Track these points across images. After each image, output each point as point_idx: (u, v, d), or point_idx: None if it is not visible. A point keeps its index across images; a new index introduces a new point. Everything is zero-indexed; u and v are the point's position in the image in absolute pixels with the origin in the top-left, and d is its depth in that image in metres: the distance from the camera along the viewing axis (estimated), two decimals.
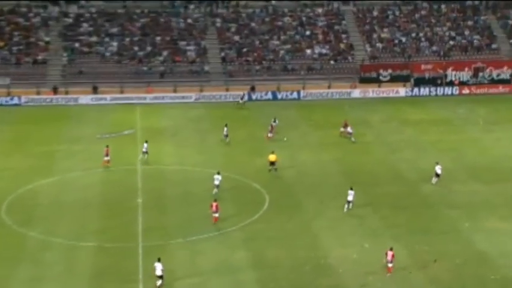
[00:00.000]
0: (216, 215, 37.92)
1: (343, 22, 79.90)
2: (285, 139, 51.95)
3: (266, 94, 70.53)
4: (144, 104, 66.13)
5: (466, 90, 72.00)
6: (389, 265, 32.70)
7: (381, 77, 73.22)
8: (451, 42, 77.28)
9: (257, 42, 76.17)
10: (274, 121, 56.10)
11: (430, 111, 64.34)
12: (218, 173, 42.53)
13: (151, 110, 64.20)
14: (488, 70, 73.21)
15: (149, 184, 44.43)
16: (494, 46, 76.81)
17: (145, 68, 71.67)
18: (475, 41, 77.57)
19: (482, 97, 69.27)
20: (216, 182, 41.90)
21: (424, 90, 71.93)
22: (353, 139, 53.24)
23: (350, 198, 39.98)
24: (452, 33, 78.42)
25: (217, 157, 49.97)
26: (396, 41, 77.53)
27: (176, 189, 43.68)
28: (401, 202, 41.31)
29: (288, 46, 75.95)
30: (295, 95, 70.68)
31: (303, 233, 37.32)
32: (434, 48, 76.50)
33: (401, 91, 71.96)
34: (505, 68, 73.39)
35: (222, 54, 74.67)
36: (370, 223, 38.40)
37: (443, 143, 53.38)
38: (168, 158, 49.96)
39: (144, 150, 48.44)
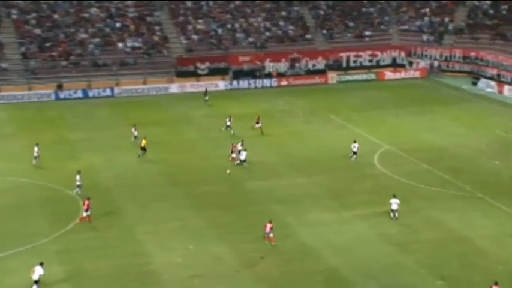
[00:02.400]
0: (85, 213, 38.18)
1: (156, 13, 79.51)
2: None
3: (76, 92, 68.21)
4: None
5: (284, 82, 75.03)
6: (271, 235, 35.28)
7: (198, 71, 73.95)
8: (267, 33, 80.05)
9: (62, 36, 73.33)
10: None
11: (251, 104, 66.16)
12: (78, 173, 42.36)
13: None
14: (304, 61, 76.91)
15: None
16: (308, 37, 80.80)
17: None
18: (289, 31, 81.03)
19: (299, 88, 72.59)
20: (78, 183, 42.08)
21: (243, 83, 73.85)
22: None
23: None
24: (268, 24, 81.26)
25: (23, 164, 47.44)
26: (212, 33, 78.70)
27: None
28: (226, 200, 41.97)
29: (97, 39, 74.04)
30: (108, 92, 69.09)
31: (124, 240, 36.53)
32: (250, 39, 78.74)
33: (221, 84, 73.25)
34: (320, 58, 77.54)
35: (22, 49, 70.91)
36: (194, 224, 38.54)
37: (265, 136, 55.12)
38: None
39: None
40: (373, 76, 77.31)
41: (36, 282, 31.07)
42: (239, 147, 48.69)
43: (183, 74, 73.13)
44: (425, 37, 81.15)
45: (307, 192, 43.38)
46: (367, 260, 34.29)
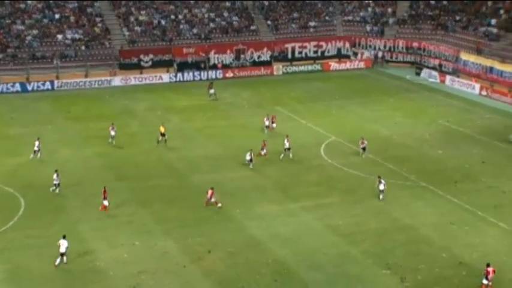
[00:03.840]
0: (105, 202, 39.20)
1: (96, 4, 78.39)
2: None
3: (13, 86, 66.81)
4: None
5: (229, 74, 75.05)
6: (212, 200, 39.02)
7: (142, 63, 73.33)
8: (212, 25, 79.87)
9: None
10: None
11: (196, 97, 65.99)
12: (56, 171, 41.74)
13: None
14: (249, 52, 77.07)
15: None
16: (253, 27, 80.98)
17: None
18: (234, 22, 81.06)
19: (245, 80, 72.77)
20: (55, 182, 41.58)
21: (188, 75, 73.57)
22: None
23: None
24: (212, 15, 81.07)
25: None
26: (155, 24, 78.08)
27: None
28: (172, 194, 41.86)
29: (35, 31, 72.55)
30: (48, 85, 67.88)
31: (68, 238, 36.05)
32: (195, 30, 78.44)
33: (165, 77, 72.81)
34: (265, 49, 77.83)
35: None
36: (139, 219, 38.33)
37: (211, 129, 55.10)
38: None
39: None
40: (318, 67, 78.06)
41: (62, 254, 33.08)
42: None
43: (126, 67, 72.39)
44: (368, 28, 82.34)
45: (254, 184, 43.62)
46: (314, 251, 34.77)
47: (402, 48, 79.42)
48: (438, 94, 67.33)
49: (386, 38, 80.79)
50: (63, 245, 33.15)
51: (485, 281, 30.84)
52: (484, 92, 66.50)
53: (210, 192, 39.64)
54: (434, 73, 73.37)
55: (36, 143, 47.08)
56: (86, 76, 70.26)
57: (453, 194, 41.20)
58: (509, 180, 43.70)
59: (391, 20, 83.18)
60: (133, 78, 71.35)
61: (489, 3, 78.84)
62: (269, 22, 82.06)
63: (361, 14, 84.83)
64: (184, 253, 34.56)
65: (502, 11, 76.73)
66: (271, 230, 37.13)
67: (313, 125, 56.11)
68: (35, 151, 46.95)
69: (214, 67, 75.27)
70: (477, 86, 67.70)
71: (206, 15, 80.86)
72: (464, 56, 72.10)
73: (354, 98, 65.36)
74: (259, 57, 77.47)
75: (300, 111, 60.53)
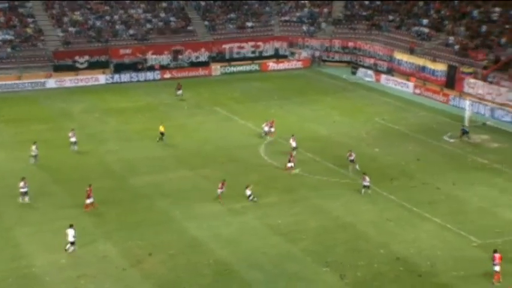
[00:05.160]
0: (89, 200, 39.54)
1: (28, 4, 76.72)
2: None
3: None
4: None
5: (167, 75, 74.64)
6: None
7: (77, 64, 72.18)
8: (148, 25, 79.24)
9: None
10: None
11: (134, 99, 65.38)
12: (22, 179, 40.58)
13: None
14: (187, 53, 76.83)
15: None
16: (190, 28, 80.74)
17: None
18: (171, 23, 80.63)
19: (183, 81, 72.40)
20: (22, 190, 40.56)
21: (125, 77, 72.82)
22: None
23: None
24: (148, 16, 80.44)
25: None
26: (90, 25, 76.96)
27: None
28: (112, 197, 41.35)
29: None
30: None
31: (1, 244, 35.22)
32: (131, 31, 77.67)
33: (101, 78, 71.88)
34: (203, 50, 77.74)
35: None
36: (79, 223, 37.67)
37: (150, 131, 54.67)
38: None
39: None
40: (256, 67, 78.44)
41: (72, 243, 34.21)
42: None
43: (60, 68, 71.10)
44: (305, 28, 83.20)
45: (195, 185, 43.54)
46: (255, 251, 34.95)
47: (338, 48, 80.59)
48: (374, 93, 68.61)
49: (322, 38, 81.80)
50: (70, 233, 34.24)
51: (497, 268, 31.52)
52: (417, 91, 68.13)
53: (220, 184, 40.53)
54: (370, 72, 74.72)
55: None
56: (20, 78, 68.66)
57: (390, 191, 42.07)
58: (443, 176, 44.90)
59: (326, 20, 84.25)
60: (69, 80, 70.15)
61: (420, 3, 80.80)
62: (206, 22, 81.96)
63: (298, 14, 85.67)
64: (124, 256, 34.21)
65: (432, 11, 78.73)
66: (212, 230, 37.14)
67: (252, 125, 56.36)
68: None
69: (151, 68, 74.70)
70: (411, 84, 69.29)
71: (142, 16, 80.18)
72: (398, 56, 73.69)
73: (293, 97, 65.97)
74: (197, 57, 77.31)
75: (239, 112, 60.70)
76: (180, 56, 76.35)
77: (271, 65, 79.15)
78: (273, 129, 53.28)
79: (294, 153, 47.44)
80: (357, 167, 45.36)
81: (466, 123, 55.04)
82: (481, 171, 46.03)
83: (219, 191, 40.74)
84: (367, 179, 41.74)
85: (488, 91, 62.17)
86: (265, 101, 64.76)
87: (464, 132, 52.63)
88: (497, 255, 31.77)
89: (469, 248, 34.91)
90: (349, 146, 50.06)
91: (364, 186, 41.81)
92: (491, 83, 62.54)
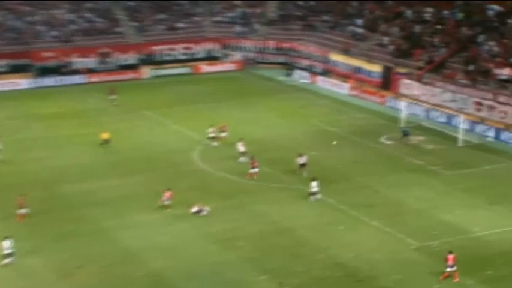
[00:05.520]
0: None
1: None
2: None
3: None
4: None
5: (94, 78, 73.95)
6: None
7: None
8: (73, 27, 78.30)
9: None
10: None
11: (59, 104, 64.55)
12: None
13: None
14: (115, 55, 76.30)
15: None
16: (118, 29, 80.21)
17: None
18: (97, 24, 79.91)
19: (112, 84, 71.68)
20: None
21: (49, 80, 71.78)
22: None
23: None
24: (72, 17, 79.47)
25: None
26: (10, 26, 75.47)
27: None
28: (40, 207, 40.74)
29: None
30: None
31: None
32: (54, 33, 76.58)
33: (23, 83, 70.65)
34: (132, 52, 77.39)
35: None
36: (7, 234, 37.05)
37: (79, 137, 54.13)
38: None
39: None
40: (188, 70, 78.57)
41: (7, 255, 34.05)
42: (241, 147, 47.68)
43: None
44: (238, 28, 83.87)
45: (127, 193, 43.44)
46: (191, 260, 35.18)
47: (273, 49, 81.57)
48: (310, 95, 69.78)
49: (256, 39, 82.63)
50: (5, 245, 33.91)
51: (454, 268, 32.58)
52: (353, 92, 69.68)
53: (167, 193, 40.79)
54: (306, 74, 75.93)
55: None
56: None
57: (328, 195, 42.95)
58: (381, 179, 46.15)
59: (260, 21, 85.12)
60: None
61: (354, 3, 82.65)
62: (135, 23, 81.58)
63: (230, 14, 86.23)
64: (54, 269, 33.89)
65: (366, 12, 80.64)
66: (147, 240, 37.17)
67: (185, 130, 56.52)
68: None
69: (77, 72, 73.84)
70: (347, 86, 70.80)
71: (66, 17, 79.16)
72: (333, 57, 75.19)
73: (227, 100, 66.44)
74: (125, 60, 76.88)
75: (172, 116, 60.76)
76: (107, 59, 75.73)
77: (204, 67, 79.43)
78: (224, 134, 53.38)
79: (242, 158, 47.72)
80: (305, 173, 45.74)
81: (402, 124, 56.70)
82: (418, 173, 47.55)
83: (166, 201, 40.60)
84: (315, 184, 42.20)
85: (423, 92, 64.17)
86: (198, 104, 65.01)
87: (406, 134, 54.13)
88: (451, 256, 32.93)
89: (408, 251, 36.08)
90: (287, 149, 50.87)
91: (312, 193, 42.24)
92: (426, 83, 64.59)
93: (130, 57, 77.07)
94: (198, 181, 45.61)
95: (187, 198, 41.69)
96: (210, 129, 52.80)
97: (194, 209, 40.17)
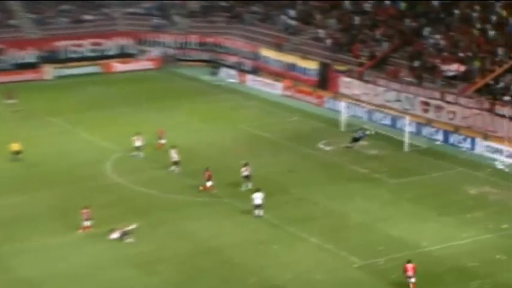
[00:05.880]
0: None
1: None
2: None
3: None
4: None
5: None
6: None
7: None
8: None
9: None
10: None
11: None
12: None
13: None
14: (10, 52, 74.90)
15: None
16: (13, 22, 78.67)
17: None
18: None
19: (7, 86, 70.25)
20: None
21: None
22: None
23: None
24: None
25: None
26: None
27: None
28: None
29: None
30: None
31: None
32: None
33: None
34: (30, 49, 76.09)
35: None
36: None
37: None
38: None
39: None
40: (98, 69, 77.79)
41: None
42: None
43: None
44: (155, 21, 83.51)
45: (25, 213, 42.64)
46: (105, 287, 34.78)
47: (195, 44, 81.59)
48: (239, 96, 70.10)
49: (176, 33, 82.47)
50: None
51: (413, 279, 33.35)
52: (287, 92, 70.36)
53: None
54: (233, 72, 76.27)
55: None
56: None
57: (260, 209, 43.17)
58: (319, 189, 46.68)
59: (180, 13, 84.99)
60: None
61: None
62: (33, 16, 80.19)
63: (146, 5, 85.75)
64: None
65: (300, 2, 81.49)
66: (48, 267, 36.37)
67: (97, 138, 55.95)
68: None
69: None
70: (279, 85, 71.43)
71: None
72: (264, 52, 75.78)
73: (144, 103, 66.08)
74: (23, 58, 75.59)
75: (81, 123, 60.07)
76: (1, 57, 74.33)
77: (117, 65, 78.79)
78: (163, 141, 53.03)
79: (174, 168, 47.96)
80: (250, 185, 45.75)
81: (342, 127, 57.58)
82: (361, 182, 48.33)
83: (85, 222, 39.96)
84: (260, 196, 42.14)
85: (364, 91, 65.35)
86: (111, 108, 64.46)
87: (356, 140, 54.15)
88: (410, 266, 33.62)
89: (350, 270, 36.57)
90: (213, 159, 50.93)
91: (256, 206, 42.13)
92: (367, 82, 65.81)
93: (29, 55, 75.81)
94: (114, 197, 45.17)
95: (102, 216, 41.18)
96: (135, 138, 52.24)
97: (114, 235, 39.50)
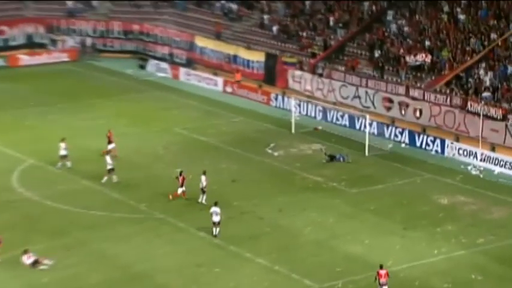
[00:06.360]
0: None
1: None
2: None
3: None
4: None
5: None
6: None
7: None
8: None
9: None
10: None
11: None
12: None
13: None
14: None
15: None
16: None
17: None
18: None
19: None
20: None
21: None
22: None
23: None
24: None
25: None
26: None
27: None
28: None
29: None
30: None
31: None
32: None
33: None
34: None
35: None
36: None
37: None
38: None
39: None
40: (1, 62, 76.96)
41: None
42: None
43: None
44: (70, 5, 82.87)
45: None
46: None
47: (119, 32, 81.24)
48: (172, 93, 69.96)
49: (95, 19, 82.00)
50: None
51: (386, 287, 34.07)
52: (228, 89, 70.50)
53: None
54: (164, 65, 76.15)
55: None
56: None
57: (199, 226, 43.15)
58: (267, 201, 46.85)
59: None
60: None
61: None
62: None
63: None
64: None
65: None
66: None
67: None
68: None
69: None
70: (220, 80, 71.54)
71: None
72: (200, 42, 75.81)
73: (57, 103, 65.60)
74: None
75: None
76: None
77: (23, 58, 78.04)
78: (112, 146, 52.69)
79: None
80: (203, 200, 45.87)
81: (293, 130, 58.01)
82: (315, 192, 48.69)
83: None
84: (218, 210, 41.93)
85: (318, 86, 65.82)
86: (16, 109, 63.85)
87: (332, 157, 53.44)
88: (383, 272, 34.34)
89: None
90: (142, 168, 50.88)
91: (214, 223, 41.98)
92: (321, 75, 66.30)
93: None
94: (20, 214, 44.69)
95: (6, 239, 40.71)
96: (62, 144, 51.63)
97: (29, 260, 39.02)
